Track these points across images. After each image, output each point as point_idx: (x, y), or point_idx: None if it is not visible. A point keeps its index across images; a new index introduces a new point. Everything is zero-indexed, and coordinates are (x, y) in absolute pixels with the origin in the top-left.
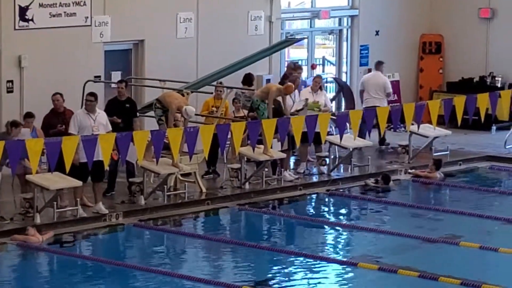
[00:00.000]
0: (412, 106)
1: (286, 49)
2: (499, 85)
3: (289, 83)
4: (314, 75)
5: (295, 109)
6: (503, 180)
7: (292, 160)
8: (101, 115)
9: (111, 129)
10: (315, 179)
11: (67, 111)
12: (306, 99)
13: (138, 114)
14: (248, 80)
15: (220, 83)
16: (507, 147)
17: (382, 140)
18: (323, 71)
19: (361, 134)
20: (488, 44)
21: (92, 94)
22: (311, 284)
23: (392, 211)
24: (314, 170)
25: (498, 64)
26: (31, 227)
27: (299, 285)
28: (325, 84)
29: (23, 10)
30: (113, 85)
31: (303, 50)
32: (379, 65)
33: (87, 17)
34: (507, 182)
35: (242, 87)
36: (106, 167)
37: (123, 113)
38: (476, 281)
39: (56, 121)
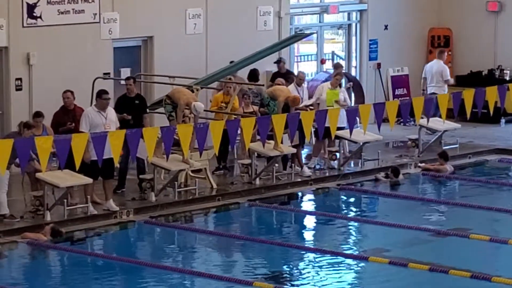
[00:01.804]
0: (421, 99)
1: (295, 44)
2: (507, 78)
3: (296, 96)
4: (324, 70)
5: (304, 104)
6: None
7: (303, 154)
8: (111, 112)
9: (119, 125)
10: (326, 173)
11: (77, 108)
12: (318, 98)
13: (148, 110)
14: (253, 75)
15: (229, 79)
16: None
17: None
18: (332, 66)
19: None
20: (496, 37)
21: (107, 91)
22: (322, 278)
23: (402, 205)
24: (322, 163)
25: (507, 57)
26: (48, 227)
27: (310, 279)
28: None
29: (31, 8)
30: (122, 82)
31: (312, 45)
32: (440, 53)
33: (96, 14)
34: None
35: (249, 82)
36: (116, 164)
37: (132, 109)
38: (486, 273)
39: (66, 119)
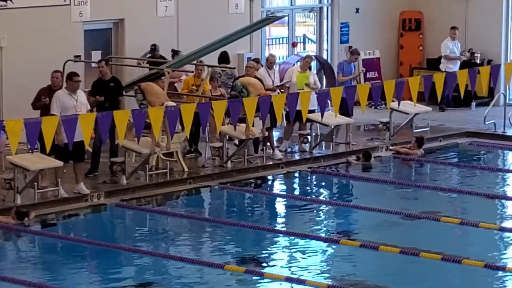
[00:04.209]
0: (392, 83)
1: (267, 27)
2: (478, 61)
3: (268, 93)
4: (296, 53)
5: (275, 85)
6: (482, 156)
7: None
8: (81, 95)
9: (90, 108)
10: (297, 156)
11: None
12: (289, 81)
13: (124, 92)
14: (224, 58)
15: (200, 61)
16: (486, 123)
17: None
18: (304, 49)
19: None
20: (467, 20)
21: (77, 74)
22: (293, 261)
23: (374, 188)
24: (296, 148)
25: (477, 40)
26: (12, 210)
27: (281, 262)
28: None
29: None
30: (93, 65)
31: (283, 28)
32: (450, 29)
33: None
34: (486, 158)
35: (221, 65)
36: (87, 147)
37: (108, 92)
38: (457, 256)
39: (47, 97)
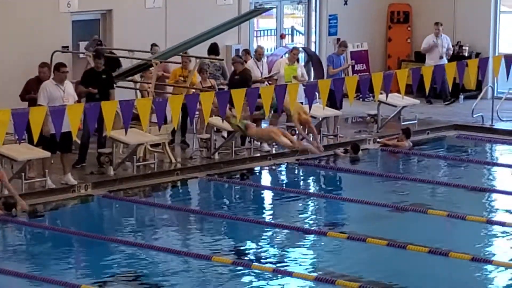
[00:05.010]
0: (380, 75)
1: (255, 19)
2: (466, 54)
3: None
4: (284, 45)
5: (264, 76)
6: (470, 149)
7: None
8: (69, 85)
9: (77, 99)
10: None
11: None
12: (277, 73)
13: (114, 85)
14: (214, 50)
15: (185, 53)
16: (474, 116)
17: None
18: (292, 41)
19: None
20: (456, 13)
21: (65, 64)
22: (280, 253)
23: (361, 180)
24: None
25: (466, 33)
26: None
27: (269, 254)
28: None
29: None
30: (81, 56)
31: (272, 20)
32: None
33: None
34: (474, 151)
35: (209, 56)
36: (75, 138)
37: (99, 84)
38: (444, 249)
39: (36, 89)
